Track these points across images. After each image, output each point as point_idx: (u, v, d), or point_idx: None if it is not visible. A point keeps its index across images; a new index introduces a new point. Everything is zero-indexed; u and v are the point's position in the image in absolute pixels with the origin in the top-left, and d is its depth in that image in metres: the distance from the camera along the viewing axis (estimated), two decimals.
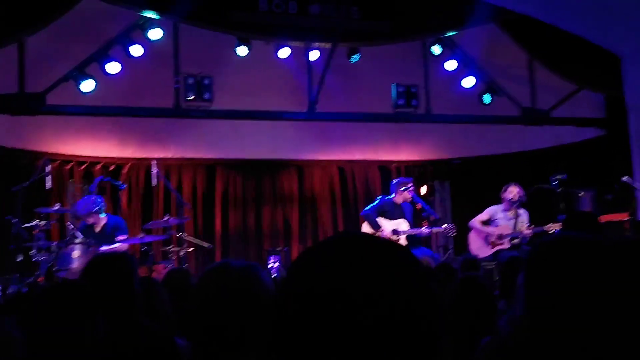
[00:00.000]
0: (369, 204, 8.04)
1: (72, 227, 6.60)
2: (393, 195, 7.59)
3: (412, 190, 7.51)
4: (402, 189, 7.44)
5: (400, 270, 0.81)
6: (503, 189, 7.37)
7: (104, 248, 6.34)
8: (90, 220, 6.59)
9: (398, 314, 0.78)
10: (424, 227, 7.51)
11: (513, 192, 7.25)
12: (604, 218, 6.77)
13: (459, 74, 8.67)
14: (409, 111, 8.22)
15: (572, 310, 1.14)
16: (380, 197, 7.93)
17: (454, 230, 7.57)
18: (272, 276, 7.33)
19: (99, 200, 6.69)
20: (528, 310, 1.22)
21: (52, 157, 8.46)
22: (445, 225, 7.68)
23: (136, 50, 7.45)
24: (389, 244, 0.86)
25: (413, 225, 7.55)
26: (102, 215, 6.66)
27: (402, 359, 0.77)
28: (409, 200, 7.51)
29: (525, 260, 1.30)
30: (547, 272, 1.22)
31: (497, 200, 7.46)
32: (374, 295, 0.78)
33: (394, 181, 7.75)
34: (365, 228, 7.58)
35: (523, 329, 1.24)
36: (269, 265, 7.96)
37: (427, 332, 0.80)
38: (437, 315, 0.82)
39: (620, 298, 1.14)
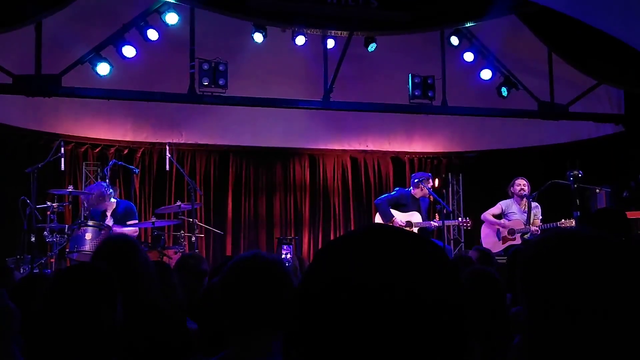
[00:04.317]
0: (383, 194, 8.01)
1: (86, 212, 6.63)
2: (411, 188, 7.56)
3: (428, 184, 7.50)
4: (423, 183, 7.40)
5: (433, 263, 0.79)
6: (511, 183, 7.34)
7: (115, 229, 6.37)
8: (102, 207, 6.63)
9: (429, 305, 0.75)
10: (435, 220, 7.49)
11: (521, 184, 7.23)
12: None
13: (477, 66, 8.57)
14: (424, 102, 8.15)
15: (576, 313, 1.03)
16: (397, 188, 7.88)
17: (469, 224, 7.56)
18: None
19: (106, 186, 6.71)
20: (529, 311, 1.10)
21: (67, 139, 8.51)
22: (461, 218, 7.67)
23: (152, 35, 7.43)
24: (419, 238, 0.83)
25: (426, 218, 7.52)
26: (112, 200, 6.70)
27: (433, 354, 0.74)
28: (427, 195, 7.48)
29: (523, 257, 1.13)
30: (549, 273, 1.07)
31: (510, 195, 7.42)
32: (405, 287, 0.75)
33: (416, 176, 7.67)
34: (378, 217, 7.55)
35: (529, 332, 1.14)
36: (282, 256, 7.96)
37: (457, 326, 0.77)
38: (466, 309, 0.79)
39: (630, 303, 1.03)
